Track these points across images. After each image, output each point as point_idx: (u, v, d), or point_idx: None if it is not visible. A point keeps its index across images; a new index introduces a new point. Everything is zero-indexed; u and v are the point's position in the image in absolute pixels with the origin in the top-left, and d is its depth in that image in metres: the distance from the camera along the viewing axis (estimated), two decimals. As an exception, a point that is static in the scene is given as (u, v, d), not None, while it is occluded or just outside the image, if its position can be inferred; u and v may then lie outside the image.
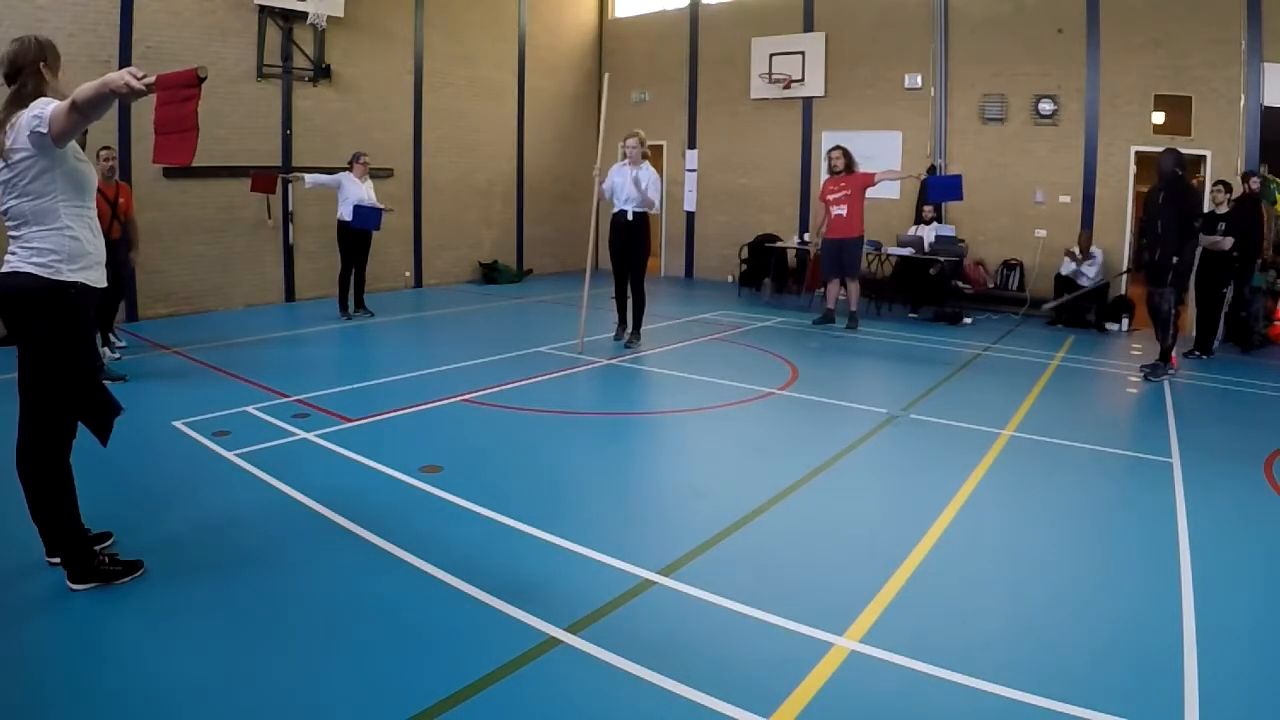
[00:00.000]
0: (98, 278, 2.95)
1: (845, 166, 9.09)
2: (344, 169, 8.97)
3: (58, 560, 3.03)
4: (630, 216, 7.53)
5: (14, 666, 2.51)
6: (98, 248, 2.96)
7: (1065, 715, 2.35)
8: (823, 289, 9.87)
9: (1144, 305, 7.68)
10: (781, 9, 12.49)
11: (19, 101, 2.77)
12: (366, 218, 8.80)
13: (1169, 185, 6.86)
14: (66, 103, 2.65)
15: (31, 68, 2.79)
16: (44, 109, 2.69)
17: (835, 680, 2.52)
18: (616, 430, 5.47)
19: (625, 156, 7.58)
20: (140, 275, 8.65)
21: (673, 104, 13.77)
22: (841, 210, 9.02)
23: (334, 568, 3.25)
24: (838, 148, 9.29)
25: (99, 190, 3.74)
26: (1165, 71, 9.53)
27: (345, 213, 8.78)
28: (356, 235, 8.86)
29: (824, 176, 9.44)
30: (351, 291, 9.11)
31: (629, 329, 7.90)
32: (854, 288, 9.32)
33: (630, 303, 7.84)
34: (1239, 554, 3.57)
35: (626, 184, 7.47)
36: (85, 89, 2.62)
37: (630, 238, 7.58)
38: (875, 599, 3.04)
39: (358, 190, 8.83)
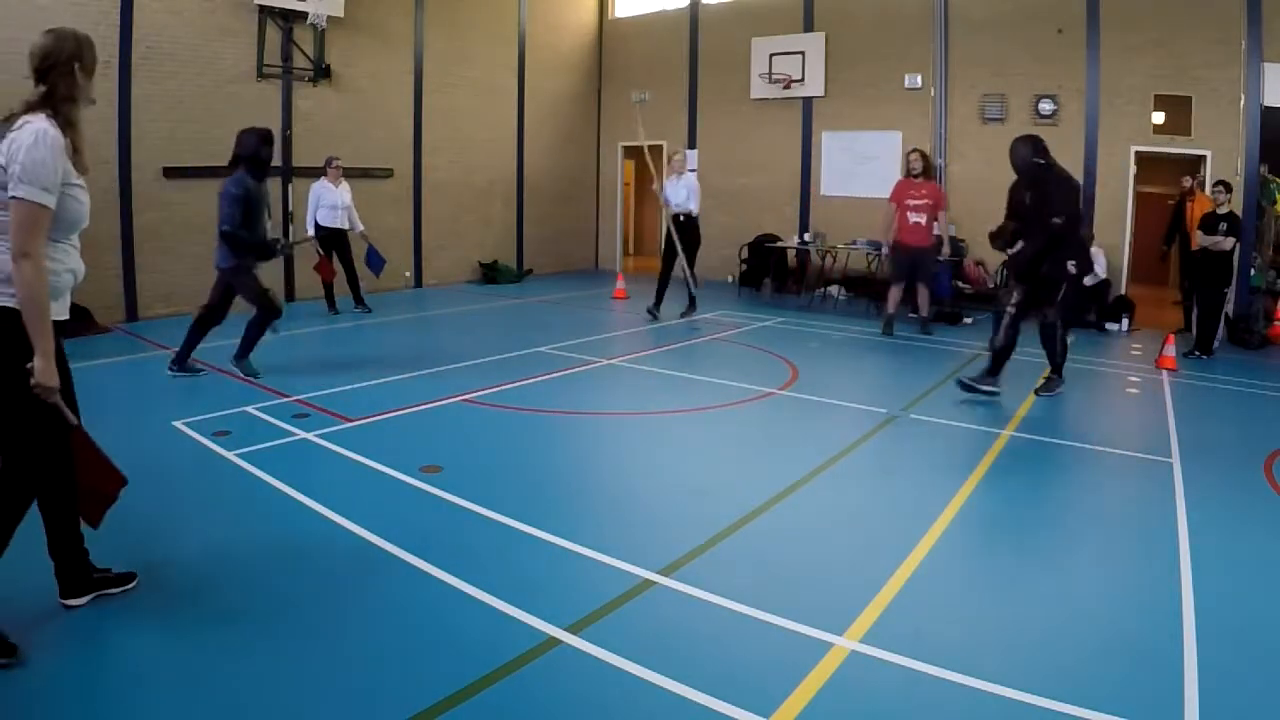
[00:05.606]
0: (60, 309, 2.60)
1: (924, 170, 8.88)
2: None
3: (74, 603, 2.82)
4: (683, 217, 9.29)
5: (14, 675, 2.51)
6: (79, 276, 2.68)
7: (1065, 715, 2.35)
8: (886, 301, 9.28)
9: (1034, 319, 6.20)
10: (781, 9, 12.49)
11: (42, 105, 2.45)
12: (374, 262, 9.32)
13: (1032, 181, 5.82)
14: (27, 239, 2.34)
15: (65, 67, 2.47)
16: (34, 172, 2.33)
17: (835, 680, 2.52)
18: (617, 430, 5.47)
19: (673, 170, 9.34)
20: (140, 275, 8.66)
21: (673, 104, 13.75)
22: (921, 219, 8.70)
23: (333, 567, 3.26)
24: (916, 150, 9.10)
25: None
26: (1165, 71, 9.53)
27: (322, 217, 8.93)
28: (330, 236, 9.01)
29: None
30: (351, 289, 9.22)
31: (660, 305, 9.51)
32: (925, 294, 9.06)
33: (687, 281, 9.45)
34: (1239, 554, 3.57)
35: (678, 191, 9.23)
36: (33, 309, 2.37)
37: (684, 233, 9.36)
38: (875, 599, 3.04)
39: (332, 195, 8.92)
